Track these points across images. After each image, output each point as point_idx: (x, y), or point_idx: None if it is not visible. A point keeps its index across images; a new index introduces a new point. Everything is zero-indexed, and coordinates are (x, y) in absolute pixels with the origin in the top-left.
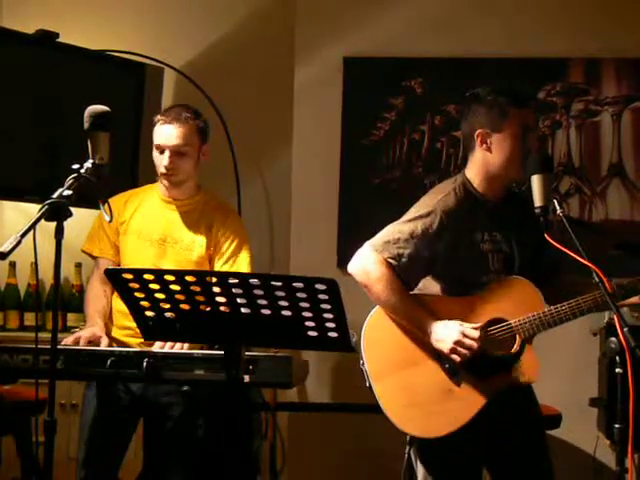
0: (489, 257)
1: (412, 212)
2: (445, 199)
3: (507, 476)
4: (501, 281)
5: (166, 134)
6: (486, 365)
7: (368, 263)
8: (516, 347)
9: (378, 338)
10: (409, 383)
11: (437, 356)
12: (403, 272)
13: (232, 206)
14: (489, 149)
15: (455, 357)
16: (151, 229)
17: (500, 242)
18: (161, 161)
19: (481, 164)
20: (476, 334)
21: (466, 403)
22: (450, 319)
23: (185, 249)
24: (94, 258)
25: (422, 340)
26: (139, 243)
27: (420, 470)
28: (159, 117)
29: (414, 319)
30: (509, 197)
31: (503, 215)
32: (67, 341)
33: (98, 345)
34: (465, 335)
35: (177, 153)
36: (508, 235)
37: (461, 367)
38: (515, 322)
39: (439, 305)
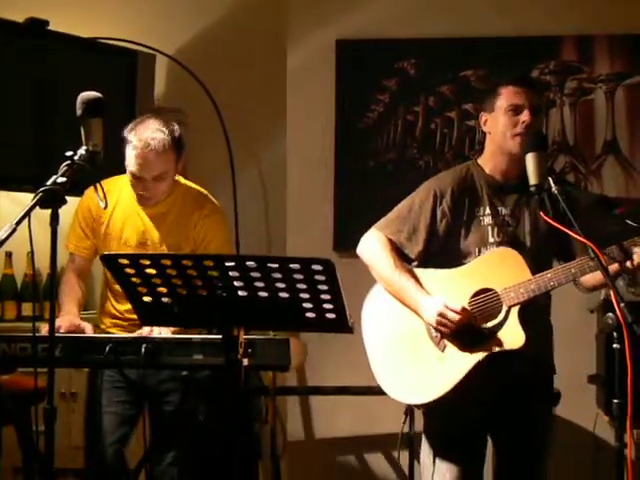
0: (489, 230)
1: (412, 193)
2: (441, 177)
3: (507, 446)
4: (490, 253)
5: (142, 165)
6: (472, 334)
7: (370, 242)
8: (501, 316)
9: (375, 315)
10: (404, 354)
11: (427, 328)
12: (404, 247)
13: (210, 196)
14: (489, 130)
15: (442, 329)
16: (129, 234)
17: (505, 216)
18: (137, 185)
19: (488, 146)
20: (458, 307)
21: (453, 370)
22: (442, 291)
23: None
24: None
25: (416, 313)
26: (120, 249)
27: (423, 440)
28: (130, 138)
29: (407, 294)
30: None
31: (514, 193)
32: (45, 330)
33: (82, 332)
34: (448, 309)
35: (155, 179)
36: (518, 212)
37: (449, 337)
38: (500, 291)
39: (433, 278)
